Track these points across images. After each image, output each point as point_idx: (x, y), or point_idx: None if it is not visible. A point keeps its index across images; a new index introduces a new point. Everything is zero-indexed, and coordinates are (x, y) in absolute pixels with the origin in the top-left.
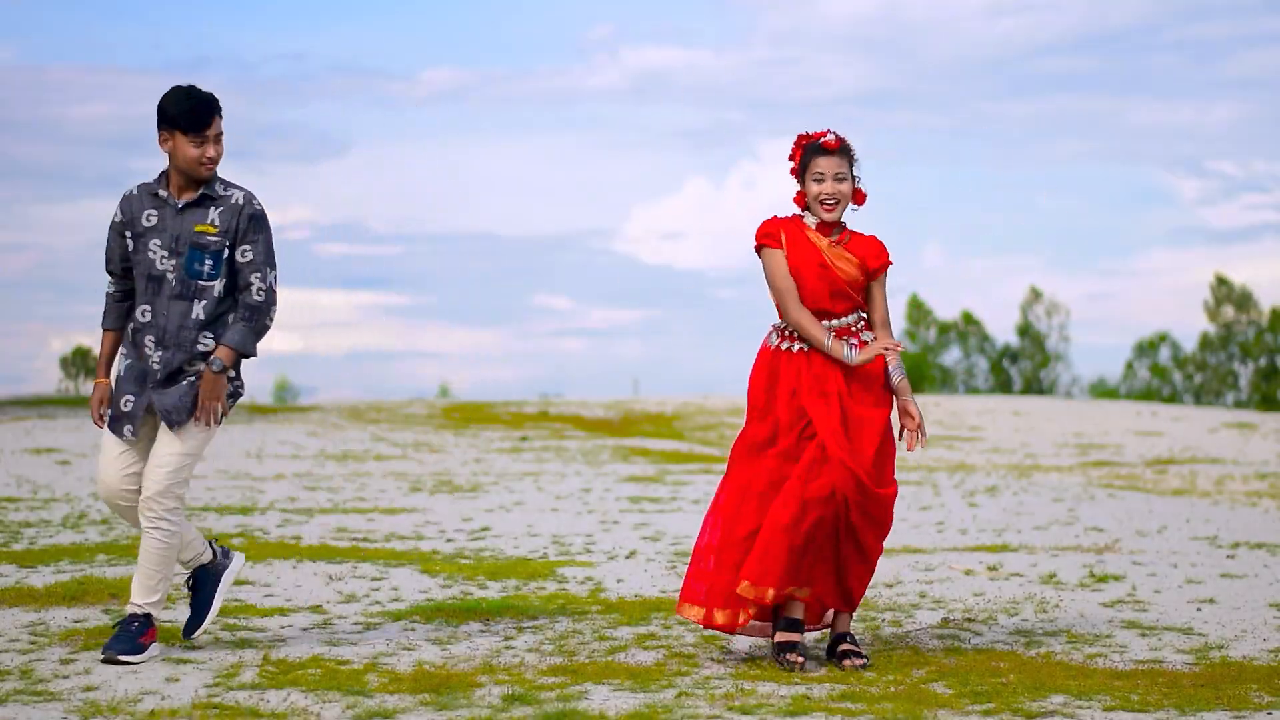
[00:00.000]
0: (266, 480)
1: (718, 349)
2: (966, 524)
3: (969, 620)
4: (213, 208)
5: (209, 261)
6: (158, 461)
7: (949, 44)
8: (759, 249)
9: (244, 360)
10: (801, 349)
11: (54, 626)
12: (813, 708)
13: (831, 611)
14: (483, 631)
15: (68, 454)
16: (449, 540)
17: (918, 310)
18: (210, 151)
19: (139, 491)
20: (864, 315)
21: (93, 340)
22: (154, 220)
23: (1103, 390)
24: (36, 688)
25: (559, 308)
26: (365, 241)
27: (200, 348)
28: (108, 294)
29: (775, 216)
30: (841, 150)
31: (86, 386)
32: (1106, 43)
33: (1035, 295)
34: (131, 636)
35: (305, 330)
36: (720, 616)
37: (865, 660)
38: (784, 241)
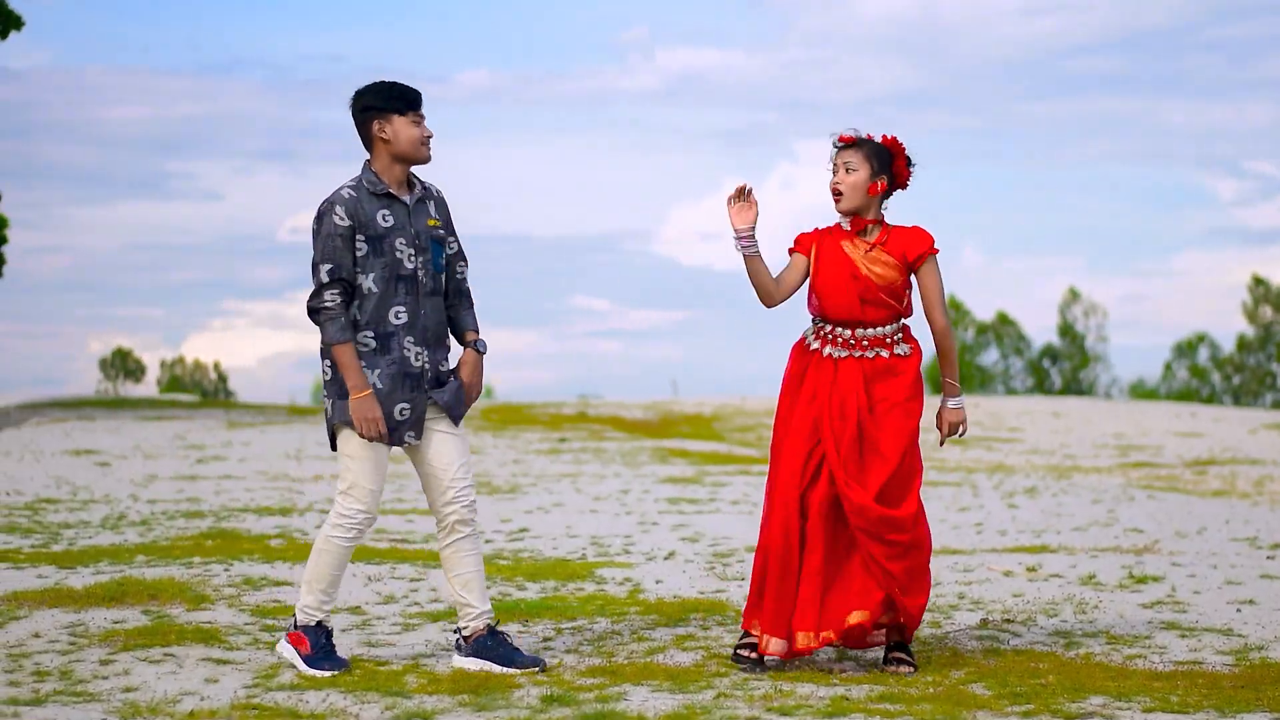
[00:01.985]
0: (305, 481)
1: (756, 350)
2: (1005, 525)
3: (1008, 621)
4: (430, 200)
5: (444, 255)
6: (458, 462)
7: (983, 44)
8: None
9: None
10: (831, 355)
11: (93, 627)
12: (851, 709)
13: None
14: (521, 632)
15: (107, 455)
16: (488, 541)
17: (955, 310)
18: (427, 130)
19: None
20: (904, 325)
21: (132, 342)
22: (391, 219)
23: (1142, 391)
24: (76, 688)
25: (597, 309)
26: None
27: (449, 341)
28: (331, 306)
29: (816, 228)
30: (856, 144)
31: (127, 387)
32: (1141, 43)
33: (1073, 296)
34: (511, 647)
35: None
36: (802, 639)
37: (913, 669)
38: (813, 252)
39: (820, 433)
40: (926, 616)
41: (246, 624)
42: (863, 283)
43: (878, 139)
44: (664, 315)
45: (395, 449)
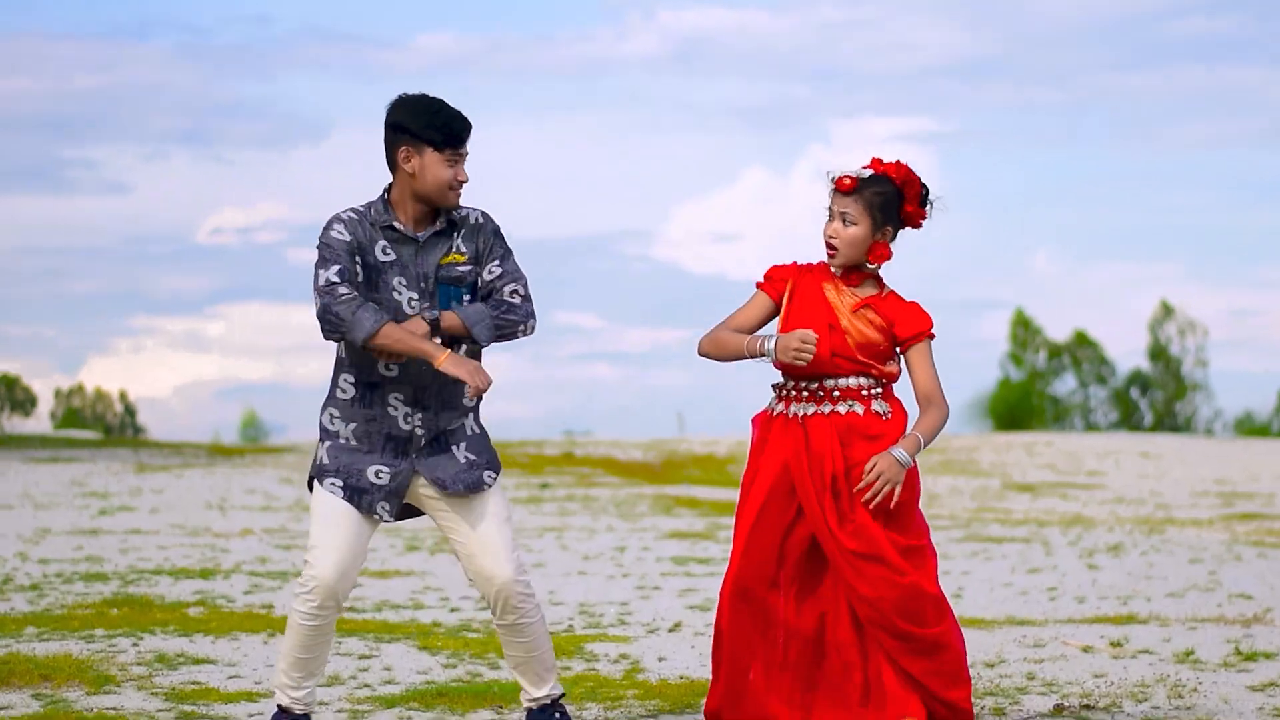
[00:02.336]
0: (231, 537)
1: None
2: (1084, 590)
3: (1087, 707)
4: (455, 234)
5: (466, 297)
6: (495, 539)
7: (1062, 1)
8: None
9: (467, 350)
10: (796, 414)
11: None
12: None
13: None
14: None
15: None
16: (453, 610)
17: (1024, 329)
18: (462, 174)
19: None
20: (883, 382)
21: (19, 368)
22: (391, 255)
23: (1250, 427)
24: None
25: (586, 326)
26: None
27: (467, 402)
28: (348, 294)
29: (795, 262)
30: (857, 191)
31: (13, 423)
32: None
33: (1166, 311)
34: None
35: (277, 355)
36: None
37: None
38: (787, 293)
39: (804, 507)
40: (988, 701)
41: (159, 710)
42: (840, 337)
43: (882, 171)
44: (668, 334)
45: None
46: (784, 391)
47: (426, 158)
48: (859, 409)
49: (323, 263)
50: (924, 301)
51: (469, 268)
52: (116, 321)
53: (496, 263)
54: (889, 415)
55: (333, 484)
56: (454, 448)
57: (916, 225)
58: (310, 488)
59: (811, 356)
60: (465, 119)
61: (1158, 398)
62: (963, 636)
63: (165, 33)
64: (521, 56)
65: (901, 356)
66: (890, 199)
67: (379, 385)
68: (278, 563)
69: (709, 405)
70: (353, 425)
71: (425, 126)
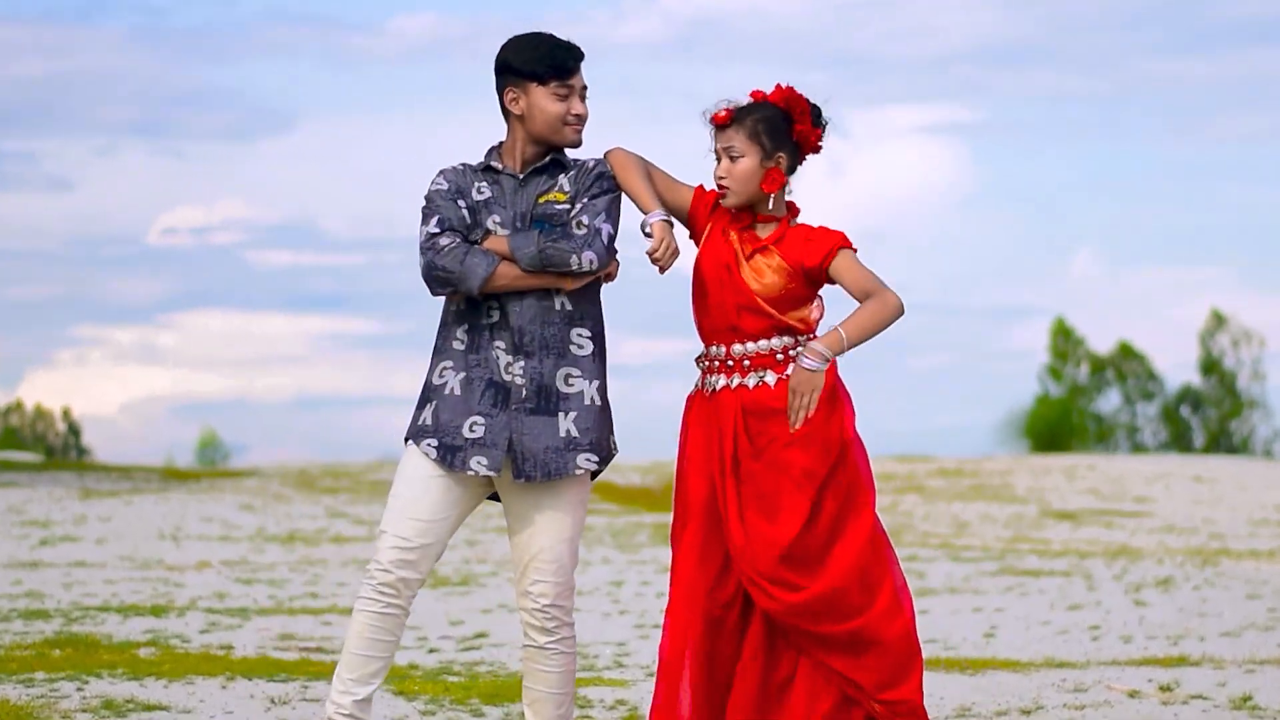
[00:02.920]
0: (186, 570)
1: None
2: (1131, 629)
3: None
4: (562, 174)
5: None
6: (541, 543)
7: None
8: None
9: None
10: (708, 388)
11: None
12: None
13: None
14: None
15: None
16: (432, 650)
17: (1065, 340)
18: (578, 107)
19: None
20: (798, 338)
21: None
22: (487, 193)
23: None
24: None
25: None
26: (317, 248)
27: (575, 349)
28: (451, 244)
29: (715, 191)
30: (736, 121)
31: None
32: None
33: (1218, 320)
34: None
35: (238, 368)
36: None
37: None
38: (708, 227)
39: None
40: None
41: None
42: (736, 281)
43: (761, 98)
44: (668, 345)
45: (493, 502)
46: (701, 362)
47: (533, 94)
48: (771, 379)
49: (423, 219)
50: (950, 309)
51: (567, 207)
52: (59, 331)
53: (587, 198)
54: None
55: (429, 445)
56: (560, 415)
57: (815, 148)
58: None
59: (656, 248)
60: (573, 47)
61: (1210, 416)
62: (909, 615)
63: (118, 14)
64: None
65: (824, 288)
66: (776, 122)
67: (484, 330)
68: (237, 599)
69: None
70: (461, 375)
71: (527, 60)
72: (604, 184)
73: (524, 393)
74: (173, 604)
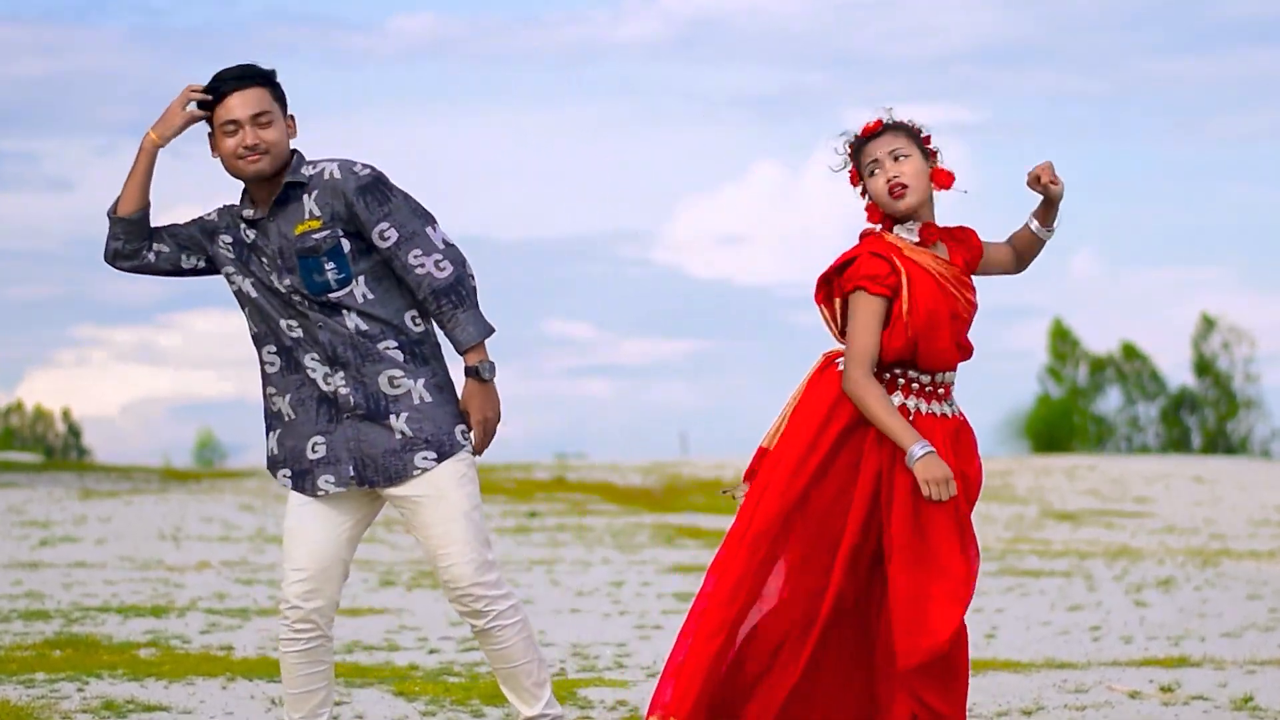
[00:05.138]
0: (186, 571)
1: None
2: (1131, 629)
3: None
4: (305, 195)
5: (330, 266)
6: (452, 531)
7: None
8: (855, 291)
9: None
10: (905, 406)
11: None
12: None
13: None
14: None
15: None
16: (432, 651)
17: (1062, 341)
18: (249, 138)
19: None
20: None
21: None
22: (250, 237)
23: None
24: None
25: (579, 337)
26: None
27: (390, 355)
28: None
29: (871, 250)
30: (890, 129)
31: None
32: None
33: (1208, 323)
34: None
35: (236, 369)
36: None
37: None
38: (904, 286)
39: (874, 516)
40: None
41: None
42: (961, 322)
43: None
44: (669, 345)
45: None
46: (902, 380)
47: (217, 133)
48: (956, 411)
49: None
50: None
51: (325, 233)
52: (59, 331)
53: (385, 225)
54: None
55: (284, 475)
56: (392, 417)
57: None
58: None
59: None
60: (229, 72)
61: (1207, 417)
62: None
63: (118, 14)
64: (507, 40)
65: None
66: (916, 133)
67: (290, 348)
68: (237, 599)
69: (714, 424)
70: (289, 396)
71: (209, 93)
72: (374, 193)
73: (351, 401)
74: (173, 604)
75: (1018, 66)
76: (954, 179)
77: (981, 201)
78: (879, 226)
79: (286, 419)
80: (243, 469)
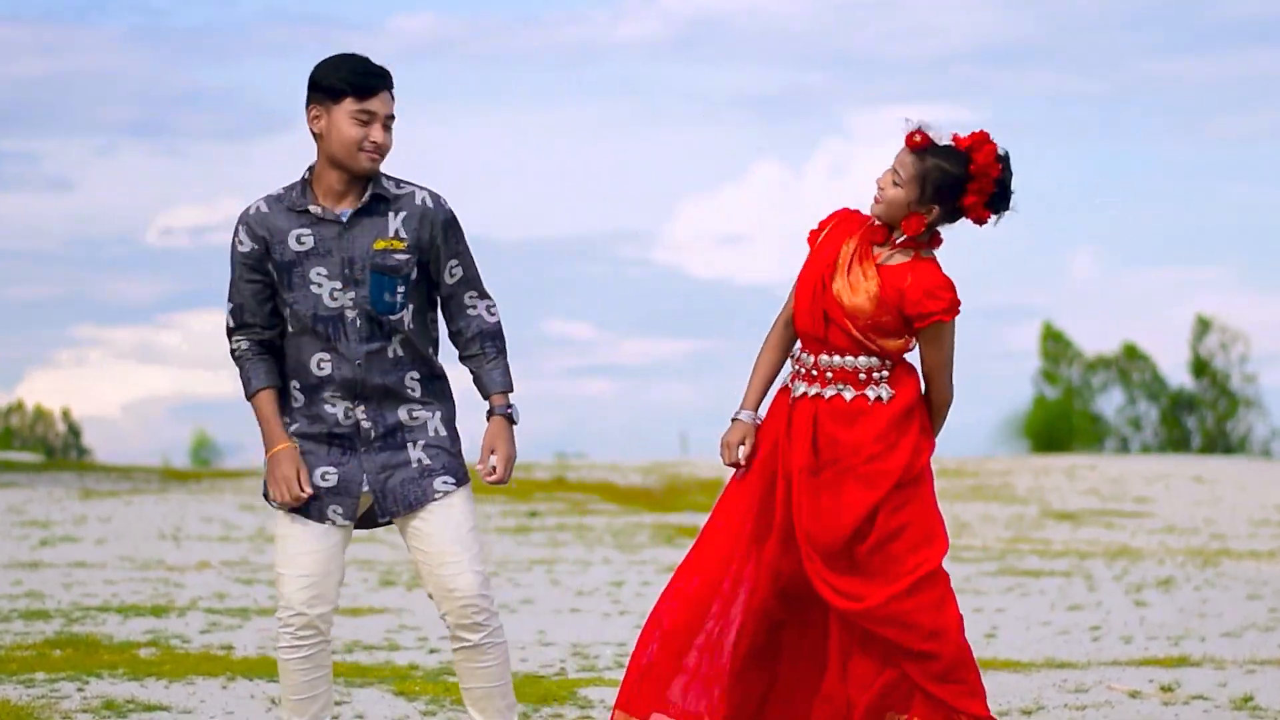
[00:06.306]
0: (186, 571)
1: None
2: (1131, 629)
3: None
4: (390, 213)
5: (401, 289)
6: (458, 547)
7: None
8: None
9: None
10: (790, 391)
11: None
12: None
13: None
14: None
15: None
16: (432, 651)
17: (1055, 343)
18: (376, 134)
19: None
20: (888, 362)
21: None
22: (308, 242)
23: None
24: None
25: (579, 337)
26: None
27: (409, 391)
28: (238, 352)
29: (846, 209)
30: (920, 153)
31: None
32: None
33: (1203, 325)
34: None
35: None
36: None
37: None
38: (824, 230)
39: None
40: None
41: None
42: (828, 297)
43: (963, 147)
44: (669, 345)
45: (372, 529)
46: (792, 363)
47: (333, 114)
48: (849, 394)
49: (230, 291)
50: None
51: (407, 256)
52: (58, 331)
53: (455, 264)
54: (888, 399)
55: None
56: (409, 446)
57: (977, 221)
58: (266, 497)
59: (728, 460)
60: (381, 71)
61: (1206, 417)
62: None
63: (117, 14)
64: (506, 40)
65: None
66: (952, 181)
67: (314, 385)
68: (238, 599)
69: (715, 424)
70: (302, 425)
71: (331, 78)
72: (457, 234)
73: (371, 434)
74: (173, 604)
75: (1018, 66)
76: (916, 231)
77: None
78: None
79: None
80: (244, 469)
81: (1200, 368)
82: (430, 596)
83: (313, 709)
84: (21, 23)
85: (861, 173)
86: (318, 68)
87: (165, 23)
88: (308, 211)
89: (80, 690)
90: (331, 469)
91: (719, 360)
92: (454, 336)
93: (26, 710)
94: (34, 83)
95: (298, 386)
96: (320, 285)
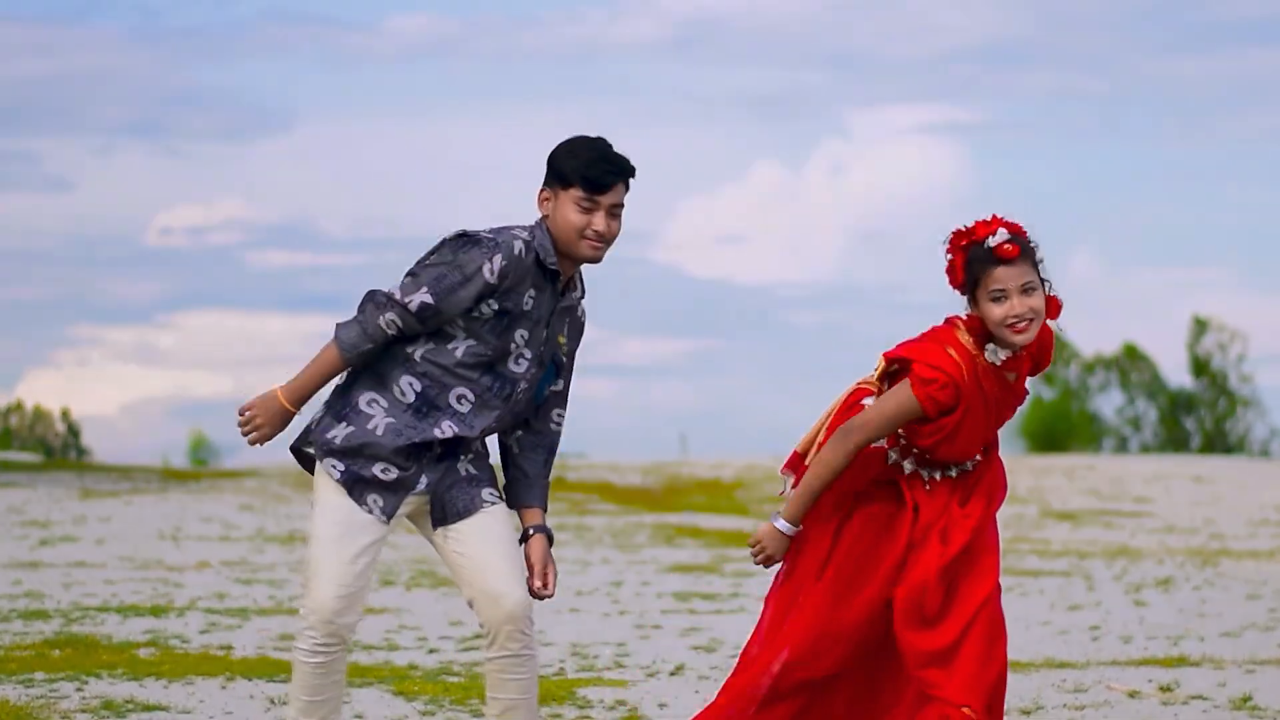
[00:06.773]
0: (186, 571)
1: (792, 392)
2: (1131, 629)
3: None
4: (574, 314)
5: (548, 387)
6: (506, 560)
7: None
8: (905, 381)
9: None
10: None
11: None
12: None
13: None
14: None
15: None
16: (431, 651)
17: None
18: (599, 223)
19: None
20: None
21: None
22: (529, 304)
23: None
24: None
25: None
26: (314, 248)
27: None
28: (382, 325)
29: (954, 336)
30: (1024, 254)
31: None
32: None
33: (1200, 326)
34: None
35: (234, 368)
36: None
37: None
38: (956, 413)
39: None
40: None
41: None
42: (993, 419)
43: (1014, 228)
44: (669, 345)
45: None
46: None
47: (560, 198)
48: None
49: (433, 281)
50: (950, 309)
51: (565, 360)
52: (58, 331)
53: (567, 377)
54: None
55: (333, 465)
56: (461, 457)
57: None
58: (297, 458)
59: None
60: (618, 162)
61: (1205, 417)
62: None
63: (116, 14)
64: (504, 40)
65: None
66: (1038, 253)
67: (440, 409)
68: (237, 599)
69: (714, 424)
70: (389, 421)
71: (563, 162)
72: (578, 340)
73: (439, 451)
74: (172, 604)
75: (1018, 66)
76: (1062, 308)
77: (981, 201)
78: (969, 334)
79: (371, 428)
80: (243, 469)
81: (1199, 368)
82: (470, 604)
83: (322, 711)
84: (21, 23)
85: (861, 173)
86: (558, 149)
87: (164, 22)
88: (546, 272)
89: (79, 690)
90: (393, 468)
91: (719, 360)
92: (524, 431)
93: (26, 710)
94: (33, 83)
95: (419, 392)
96: (518, 346)
